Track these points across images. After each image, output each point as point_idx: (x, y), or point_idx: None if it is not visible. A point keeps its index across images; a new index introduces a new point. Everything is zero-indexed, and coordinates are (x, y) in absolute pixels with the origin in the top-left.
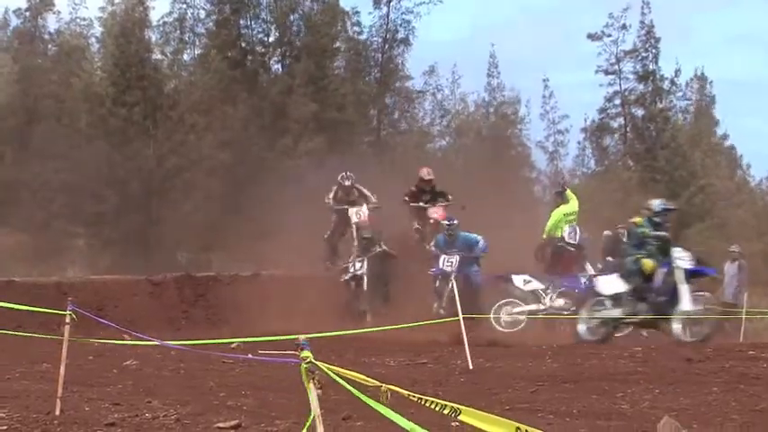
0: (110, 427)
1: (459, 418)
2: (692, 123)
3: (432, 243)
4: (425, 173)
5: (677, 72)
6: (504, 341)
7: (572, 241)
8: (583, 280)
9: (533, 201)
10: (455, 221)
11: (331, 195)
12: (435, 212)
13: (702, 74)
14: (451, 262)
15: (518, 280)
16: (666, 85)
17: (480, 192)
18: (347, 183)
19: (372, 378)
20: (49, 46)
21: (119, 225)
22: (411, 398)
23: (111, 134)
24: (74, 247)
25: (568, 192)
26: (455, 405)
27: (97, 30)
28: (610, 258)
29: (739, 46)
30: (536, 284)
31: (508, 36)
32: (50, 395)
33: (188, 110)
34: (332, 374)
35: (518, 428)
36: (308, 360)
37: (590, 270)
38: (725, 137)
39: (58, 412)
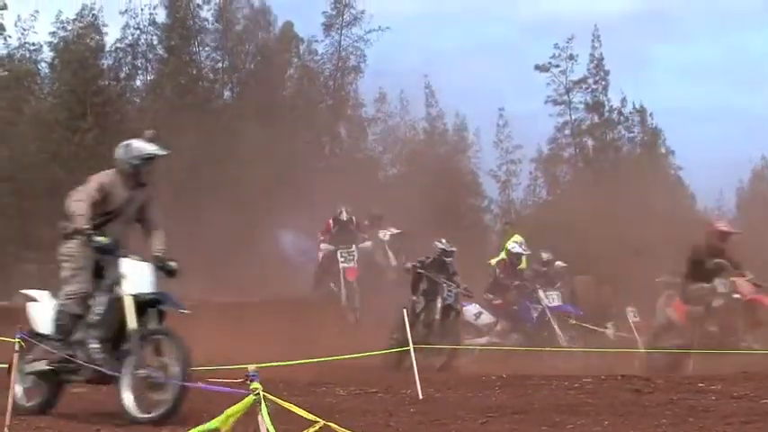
0: None
1: None
2: (640, 154)
3: None
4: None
5: (623, 101)
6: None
7: (521, 252)
8: (534, 314)
9: (483, 229)
10: None
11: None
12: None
13: (642, 106)
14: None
15: (469, 313)
16: (615, 116)
17: (430, 219)
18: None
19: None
20: (0, 70)
21: None
22: None
23: (63, 159)
24: (25, 272)
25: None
26: None
27: (47, 55)
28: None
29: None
30: (487, 318)
31: (462, 65)
32: None
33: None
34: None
35: None
36: (257, 392)
37: (544, 300)
38: (675, 168)
39: None
